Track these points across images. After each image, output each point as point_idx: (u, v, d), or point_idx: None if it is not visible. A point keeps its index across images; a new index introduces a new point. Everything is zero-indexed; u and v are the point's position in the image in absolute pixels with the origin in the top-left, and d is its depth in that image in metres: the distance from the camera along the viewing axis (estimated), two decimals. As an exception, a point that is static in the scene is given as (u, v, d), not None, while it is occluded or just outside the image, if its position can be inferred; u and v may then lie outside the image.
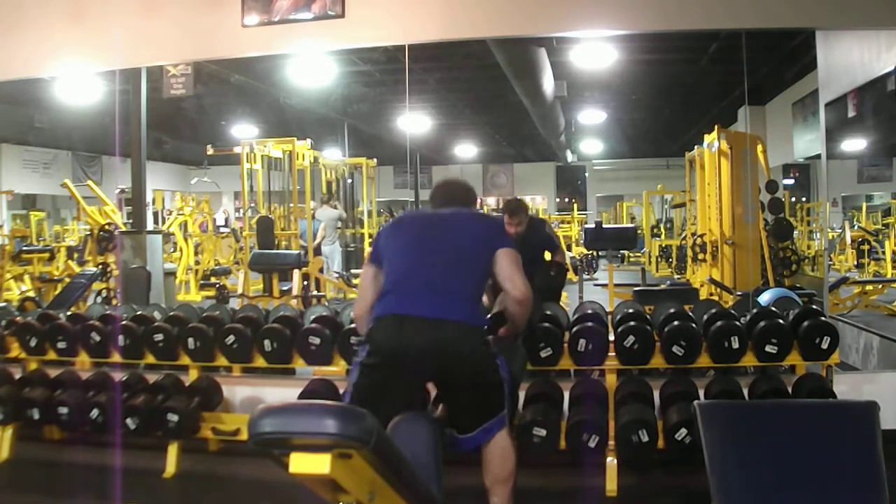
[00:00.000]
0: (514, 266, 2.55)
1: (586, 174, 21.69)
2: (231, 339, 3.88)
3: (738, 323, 3.60)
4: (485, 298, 4.83)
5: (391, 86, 11.83)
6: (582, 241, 12.99)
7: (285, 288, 7.78)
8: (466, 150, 20.13)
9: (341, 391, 3.26)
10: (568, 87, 10.91)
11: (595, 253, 13.13)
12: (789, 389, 3.53)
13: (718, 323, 3.58)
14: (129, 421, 3.75)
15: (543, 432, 3.33)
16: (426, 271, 2.51)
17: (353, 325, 3.54)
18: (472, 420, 2.46)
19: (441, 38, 4.64)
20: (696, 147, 9.18)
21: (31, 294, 8.50)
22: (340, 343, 3.73)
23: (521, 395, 3.55)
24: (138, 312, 4.32)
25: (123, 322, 4.07)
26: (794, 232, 9.41)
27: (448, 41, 5.36)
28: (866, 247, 10.91)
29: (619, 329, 3.59)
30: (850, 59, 4.80)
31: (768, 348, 3.49)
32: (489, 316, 2.74)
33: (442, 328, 2.40)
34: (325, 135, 13.48)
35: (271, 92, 11.13)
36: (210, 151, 10.76)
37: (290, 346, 3.83)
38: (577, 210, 17.24)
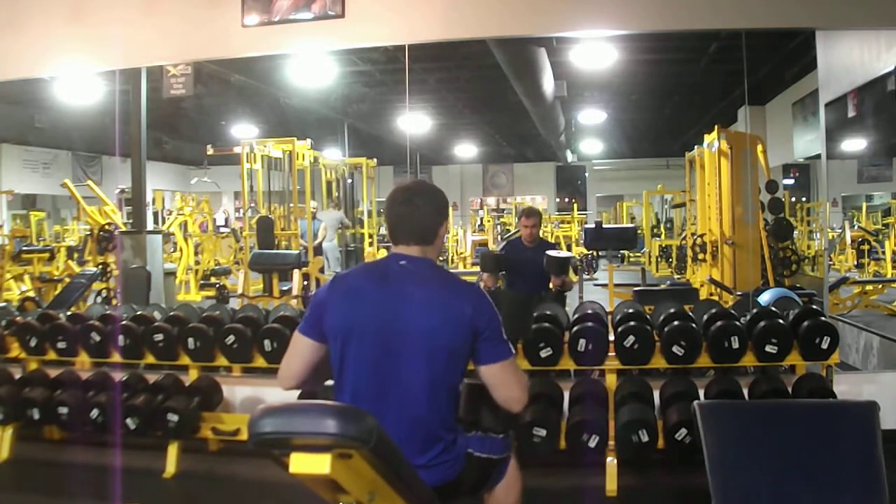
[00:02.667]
0: (511, 381, 2.00)
1: (586, 174, 21.71)
2: (231, 339, 3.88)
3: (738, 323, 3.60)
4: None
5: (391, 86, 11.84)
6: (582, 241, 12.99)
7: (285, 288, 7.77)
8: (466, 150, 20.14)
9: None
10: (568, 87, 10.92)
11: (595, 253, 13.13)
12: (789, 389, 3.53)
13: (718, 323, 3.58)
14: (129, 421, 3.75)
15: (543, 432, 3.33)
16: (387, 399, 1.92)
17: None
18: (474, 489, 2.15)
19: (441, 38, 4.64)
20: (696, 147, 9.18)
21: (31, 294, 8.50)
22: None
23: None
24: (138, 312, 4.32)
25: (123, 322, 4.07)
26: (794, 232, 9.41)
27: (448, 41, 5.35)
28: (866, 247, 10.91)
29: (619, 329, 3.59)
30: (850, 59, 4.80)
31: (768, 348, 3.49)
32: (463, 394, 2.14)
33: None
34: (325, 135, 13.48)
35: (271, 92, 11.13)
36: (210, 151, 10.75)
37: (290, 346, 3.82)
38: (577, 210, 17.25)
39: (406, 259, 2.04)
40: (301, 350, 2.05)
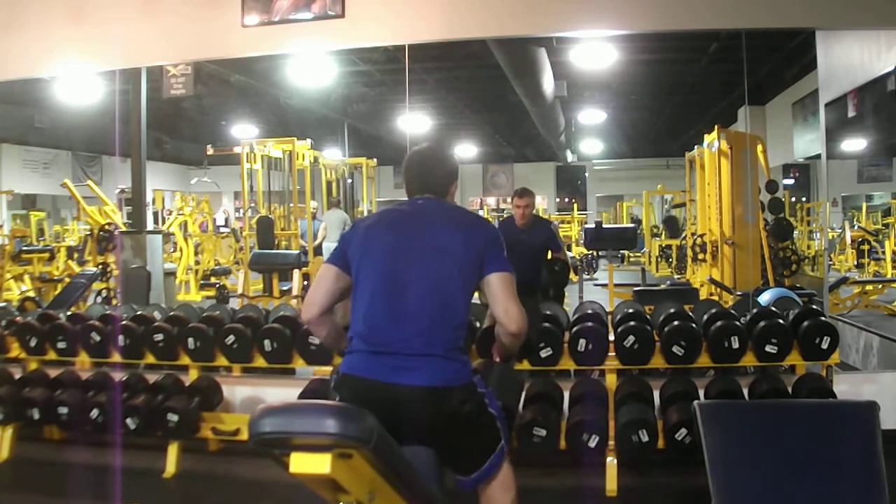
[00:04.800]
0: (508, 294, 2.15)
1: (586, 174, 21.70)
2: (231, 339, 3.87)
3: (738, 323, 3.59)
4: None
5: (391, 86, 11.84)
6: (582, 241, 12.99)
7: (285, 288, 7.77)
8: (466, 150, 20.13)
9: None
10: (568, 87, 10.93)
11: (595, 253, 13.13)
12: (789, 389, 3.53)
13: (718, 323, 3.58)
14: (129, 421, 3.75)
15: (543, 432, 3.33)
16: (403, 306, 2.07)
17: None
18: (471, 463, 2.17)
19: (441, 38, 4.64)
20: (696, 147, 9.18)
21: (31, 294, 8.50)
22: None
23: (521, 395, 3.54)
24: (138, 312, 4.31)
25: (123, 322, 4.07)
26: (794, 232, 9.42)
27: (448, 41, 5.35)
28: (866, 247, 10.90)
29: (619, 329, 3.59)
30: (850, 59, 4.80)
31: (768, 348, 3.49)
32: (480, 333, 2.44)
33: (422, 398, 2.01)
34: (325, 135, 13.49)
35: (271, 92, 11.14)
36: (210, 151, 10.77)
37: (290, 346, 3.83)
38: (577, 210, 17.25)
39: (423, 199, 2.28)
40: (325, 278, 2.21)
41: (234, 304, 8.23)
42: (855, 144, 8.68)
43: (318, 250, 9.31)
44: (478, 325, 3.52)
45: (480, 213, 19.50)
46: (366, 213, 12.06)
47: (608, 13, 4.12)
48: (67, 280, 8.35)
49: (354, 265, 2.16)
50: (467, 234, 2.18)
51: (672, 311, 3.78)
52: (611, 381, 3.65)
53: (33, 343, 4.18)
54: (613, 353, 3.60)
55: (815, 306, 4.25)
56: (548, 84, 9.74)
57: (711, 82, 11.88)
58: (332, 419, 1.55)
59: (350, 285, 2.19)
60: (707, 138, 7.89)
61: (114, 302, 7.68)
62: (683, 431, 3.30)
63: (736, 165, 7.22)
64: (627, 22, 4.22)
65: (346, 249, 2.20)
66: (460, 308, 2.14)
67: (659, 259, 13.75)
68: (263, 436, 1.59)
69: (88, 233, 9.30)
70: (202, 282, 10.96)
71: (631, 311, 3.84)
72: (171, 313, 4.31)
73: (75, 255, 10.30)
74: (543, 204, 21.39)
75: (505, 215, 18.81)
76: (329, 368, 3.81)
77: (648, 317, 3.88)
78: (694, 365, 3.59)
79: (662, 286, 8.61)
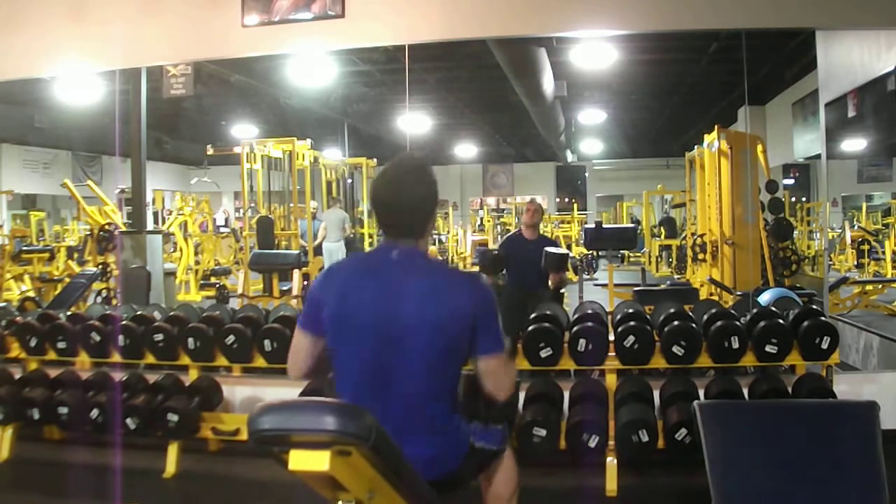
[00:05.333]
0: (500, 374, 1.98)
1: (586, 174, 21.71)
2: (231, 339, 3.87)
3: (738, 323, 3.59)
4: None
5: (391, 86, 11.84)
6: (582, 241, 12.99)
7: (285, 288, 7.77)
8: (466, 150, 20.14)
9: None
10: (568, 87, 10.93)
11: (595, 253, 13.13)
12: (789, 389, 3.53)
13: (718, 323, 3.58)
14: (129, 421, 3.75)
15: (543, 432, 3.33)
16: (389, 395, 1.90)
17: None
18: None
19: (441, 38, 4.64)
20: (696, 147, 9.18)
21: (31, 294, 8.50)
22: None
23: (521, 395, 3.55)
24: (138, 312, 4.31)
25: (123, 322, 4.07)
26: (794, 232, 9.42)
27: (448, 41, 5.35)
28: (866, 247, 10.91)
29: (619, 329, 3.59)
30: (850, 59, 4.80)
31: (768, 348, 3.49)
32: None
33: (423, 470, 1.89)
34: (325, 135, 13.49)
35: (271, 92, 11.14)
36: (210, 151, 10.76)
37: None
38: (577, 210, 17.24)
39: (398, 250, 1.98)
40: (302, 344, 2.06)
41: (234, 304, 8.23)
42: (855, 144, 8.67)
43: (318, 250, 9.32)
44: None
45: (480, 213, 19.54)
46: (365, 213, 12.05)
47: (608, 13, 4.12)
48: (67, 280, 8.35)
49: (331, 337, 1.98)
50: (455, 303, 1.92)
51: (672, 311, 3.78)
52: (611, 381, 3.65)
53: (33, 343, 4.18)
54: (613, 353, 3.60)
55: (815, 306, 4.25)
56: (548, 84, 9.74)
57: (711, 82, 11.87)
58: (332, 416, 1.55)
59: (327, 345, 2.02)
60: (707, 138, 7.89)
61: (114, 302, 7.67)
62: (683, 431, 3.30)
63: (736, 165, 7.22)
64: (627, 22, 4.22)
65: (319, 313, 1.98)
66: (451, 382, 1.99)
67: (659, 259, 13.76)
68: (263, 433, 1.59)
69: (88, 233, 9.30)
70: (202, 282, 10.96)
71: (631, 311, 3.84)
72: (171, 313, 4.31)
73: (75, 255, 10.30)
74: (544, 204, 21.39)
75: (505, 215, 18.92)
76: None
77: (648, 317, 3.88)
78: (694, 365, 3.59)
79: (662, 286, 8.60)
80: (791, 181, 13.50)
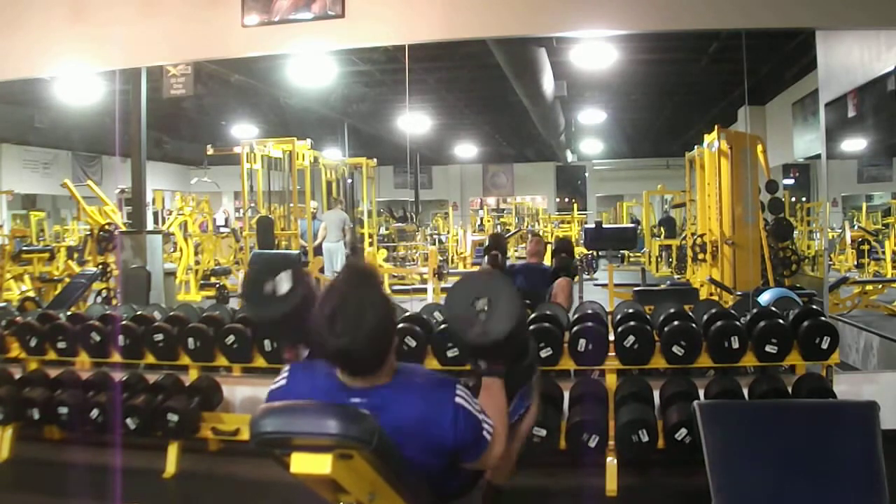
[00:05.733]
0: (493, 455, 1.92)
1: (586, 174, 21.70)
2: (231, 339, 3.87)
3: (738, 323, 3.59)
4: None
5: (391, 86, 11.84)
6: (582, 241, 12.99)
7: (285, 288, 7.76)
8: (466, 150, 20.14)
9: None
10: (568, 87, 10.92)
11: (595, 253, 13.14)
12: (789, 389, 3.53)
13: (718, 323, 3.58)
14: (129, 421, 3.75)
15: (543, 432, 3.32)
16: None
17: None
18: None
19: (441, 38, 4.64)
20: (696, 147, 9.19)
21: (31, 294, 8.50)
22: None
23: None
24: (138, 312, 4.32)
25: (123, 322, 4.07)
26: (794, 232, 9.42)
27: (448, 41, 5.36)
28: (866, 247, 10.90)
29: (619, 329, 3.59)
30: (850, 59, 4.80)
31: (768, 348, 3.49)
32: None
33: None
34: (325, 135, 13.49)
35: (271, 92, 11.13)
36: (210, 151, 10.76)
37: (291, 346, 3.82)
38: (577, 210, 17.23)
39: (358, 395, 1.76)
40: None
41: (234, 304, 8.23)
42: (855, 144, 8.67)
43: (318, 250, 9.33)
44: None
45: (480, 213, 19.53)
46: (366, 213, 12.05)
47: (608, 13, 4.12)
48: (67, 280, 8.34)
49: None
50: (432, 440, 1.78)
51: (672, 311, 3.78)
52: (611, 381, 3.65)
53: (33, 343, 4.18)
54: (613, 353, 3.60)
55: (815, 306, 4.25)
56: (548, 84, 9.74)
57: (711, 82, 11.87)
58: (334, 420, 1.55)
59: None
60: (707, 138, 7.89)
61: (114, 302, 7.67)
62: (683, 431, 3.30)
63: (736, 165, 7.23)
64: (627, 22, 4.22)
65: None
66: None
67: (659, 259, 13.76)
68: (264, 436, 1.59)
69: (88, 233, 9.30)
70: (202, 282, 10.95)
71: (631, 311, 3.84)
72: (171, 313, 4.31)
73: (75, 255, 10.29)
74: (544, 204, 21.43)
75: (504, 215, 18.98)
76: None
77: (648, 317, 3.88)
78: (694, 365, 3.59)
79: (662, 286, 8.61)
80: (791, 181, 13.49)
